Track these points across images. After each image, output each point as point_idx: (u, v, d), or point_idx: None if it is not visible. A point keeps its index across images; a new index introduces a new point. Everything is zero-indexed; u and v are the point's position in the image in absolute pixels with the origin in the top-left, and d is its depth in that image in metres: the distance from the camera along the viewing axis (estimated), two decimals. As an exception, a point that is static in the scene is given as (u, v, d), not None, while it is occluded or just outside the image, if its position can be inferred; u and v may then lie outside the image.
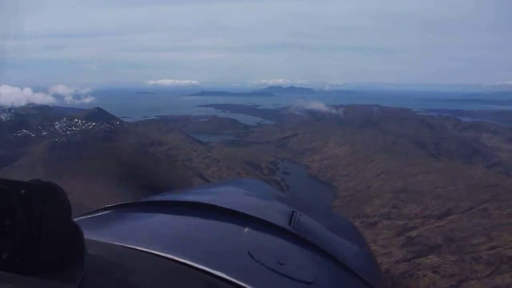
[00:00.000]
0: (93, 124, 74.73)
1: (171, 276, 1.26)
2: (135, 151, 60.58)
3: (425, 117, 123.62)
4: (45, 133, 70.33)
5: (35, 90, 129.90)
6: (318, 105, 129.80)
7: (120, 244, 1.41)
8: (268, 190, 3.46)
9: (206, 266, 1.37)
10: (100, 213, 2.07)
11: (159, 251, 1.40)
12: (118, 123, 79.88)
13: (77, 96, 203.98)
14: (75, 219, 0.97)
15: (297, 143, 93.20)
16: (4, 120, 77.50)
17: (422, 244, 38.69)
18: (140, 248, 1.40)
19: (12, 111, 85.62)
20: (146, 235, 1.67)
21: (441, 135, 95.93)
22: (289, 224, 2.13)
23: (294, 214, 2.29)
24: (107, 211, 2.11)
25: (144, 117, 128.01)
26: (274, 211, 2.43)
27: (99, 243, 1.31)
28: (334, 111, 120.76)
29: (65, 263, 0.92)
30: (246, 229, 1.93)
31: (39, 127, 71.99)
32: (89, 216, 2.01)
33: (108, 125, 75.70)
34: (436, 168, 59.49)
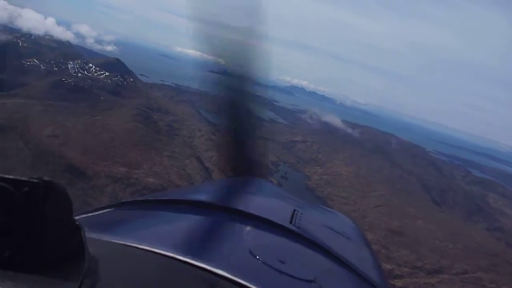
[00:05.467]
0: (107, 74, 72.24)
1: (173, 274, 1.30)
2: (137, 114, 58.00)
3: (437, 160, 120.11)
4: (56, 68, 67.89)
5: (59, 23, 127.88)
6: (335, 120, 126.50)
7: (122, 242, 1.43)
8: (271, 189, 3.42)
9: (207, 264, 1.40)
10: (102, 211, 2.11)
11: (161, 250, 1.43)
12: (131, 80, 77.38)
13: (99, 41, 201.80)
14: (77, 217, 1.01)
15: (303, 150, 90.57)
16: (20, 44, 75.11)
17: (404, 298, 36.14)
18: (142, 247, 1.43)
19: (32, 37, 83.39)
20: (148, 234, 1.75)
21: (449, 183, 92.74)
22: (290, 222, 2.19)
23: (295, 212, 2.36)
24: (109, 209, 2.14)
25: (161, 81, 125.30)
26: (275, 209, 2.50)
27: (100, 241, 1.35)
28: (349, 129, 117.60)
29: (67, 261, 0.94)
30: (248, 228, 1.97)
31: (52, 61, 69.55)
32: (90, 214, 2.04)
33: (121, 78, 73.18)
34: (438, 218, 56.80)
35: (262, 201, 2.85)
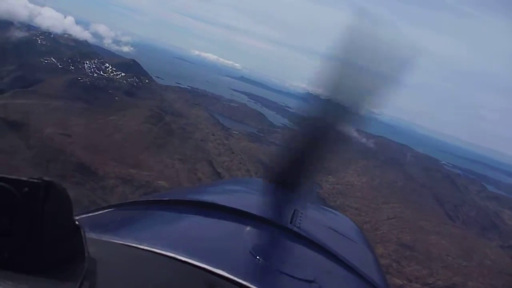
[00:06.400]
0: (122, 74, 72.39)
1: (173, 274, 1.30)
2: (151, 115, 57.82)
3: (451, 173, 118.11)
4: (72, 67, 68.21)
5: (77, 22, 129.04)
6: (349, 129, 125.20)
7: (122, 242, 1.44)
8: (271, 189, 3.32)
9: (207, 264, 1.40)
10: (102, 211, 2.12)
11: (161, 250, 1.43)
12: (147, 81, 77.46)
13: (116, 42, 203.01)
14: (77, 217, 1.01)
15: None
16: (39, 42, 75.86)
17: (414, 314, 35.18)
18: (142, 247, 1.43)
19: (52, 36, 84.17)
20: (148, 234, 1.77)
21: (463, 198, 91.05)
22: (291, 222, 2.20)
23: (296, 212, 2.36)
24: (109, 209, 2.16)
25: (177, 83, 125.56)
26: (275, 209, 2.52)
27: (100, 242, 1.36)
28: (363, 139, 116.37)
29: (67, 261, 0.94)
30: (248, 228, 1.96)
31: (69, 60, 69.92)
32: (91, 214, 2.05)
33: (137, 80, 73.28)
34: (451, 233, 55.50)
35: (262, 201, 2.81)
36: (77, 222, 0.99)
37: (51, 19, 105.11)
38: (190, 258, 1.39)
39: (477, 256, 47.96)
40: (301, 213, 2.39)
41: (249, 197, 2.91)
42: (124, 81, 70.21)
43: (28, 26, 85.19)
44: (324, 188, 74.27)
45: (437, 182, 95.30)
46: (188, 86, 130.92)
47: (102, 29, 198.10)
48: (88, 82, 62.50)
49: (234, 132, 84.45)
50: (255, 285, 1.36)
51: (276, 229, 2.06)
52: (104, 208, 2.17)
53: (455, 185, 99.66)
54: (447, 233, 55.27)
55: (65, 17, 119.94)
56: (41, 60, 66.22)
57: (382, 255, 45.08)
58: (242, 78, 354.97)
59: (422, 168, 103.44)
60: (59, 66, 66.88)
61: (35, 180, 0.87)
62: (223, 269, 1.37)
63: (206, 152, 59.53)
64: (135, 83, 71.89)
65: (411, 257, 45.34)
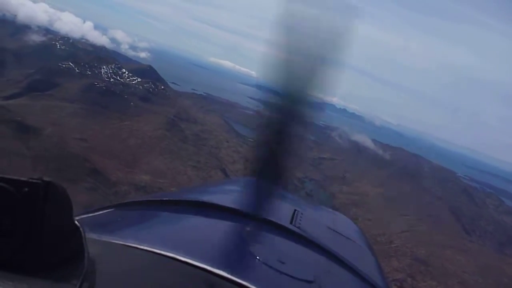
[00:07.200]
0: (138, 80, 72.74)
1: (173, 275, 1.30)
2: (166, 122, 57.85)
3: (468, 186, 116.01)
4: (89, 72, 68.71)
5: (96, 27, 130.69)
6: (365, 139, 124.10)
7: (122, 242, 1.44)
8: (271, 190, 3.20)
9: (207, 265, 1.40)
10: (102, 212, 2.12)
11: (161, 250, 1.43)
12: (162, 87, 77.72)
13: (133, 47, 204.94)
14: (77, 218, 1.02)
15: (331, 168, 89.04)
16: (58, 47, 76.82)
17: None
18: (142, 247, 1.44)
19: (71, 41, 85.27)
20: (148, 234, 1.78)
21: (481, 212, 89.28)
22: (291, 222, 2.24)
23: (296, 212, 2.40)
24: (109, 210, 2.16)
25: (193, 89, 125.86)
26: (276, 209, 2.47)
27: (100, 242, 1.36)
28: (379, 150, 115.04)
29: (67, 261, 0.95)
30: (248, 228, 1.98)
31: (86, 65, 70.46)
32: (91, 214, 2.04)
33: (152, 85, 73.56)
34: (467, 248, 54.33)
35: (263, 201, 2.68)
36: (77, 222, 0.99)
37: (70, 24, 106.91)
38: (190, 258, 1.39)
39: (494, 273, 46.77)
40: (301, 213, 2.39)
41: (249, 197, 2.78)
42: (140, 87, 70.56)
43: (47, 31, 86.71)
44: (338, 198, 73.61)
45: (454, 195, 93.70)
46: (204, 92, 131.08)
47: (119, 34, 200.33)
48: (104, 87, 62.90)
49: (250, 139, 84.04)
50: (255, 285, 1.36)
51: (276, 229, 2.06)
52: (104, 208, 2.15)
53: (472, 198, 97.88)
54: (463, 248, 54.13)
55: (84, 22, 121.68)
56: (59, 64, 66.89)
57: (397, 269, 44.21)
58: (259, 86, 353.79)
59: (438, 180, 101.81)
60: (77, 71, 67.42)
61: (35, 180, 0.87)
62: (223, 269, 1.38)
63: (220, 160, 59.33)
64: (151, 89, 72.22)
65: (426, 272, 44.30)
